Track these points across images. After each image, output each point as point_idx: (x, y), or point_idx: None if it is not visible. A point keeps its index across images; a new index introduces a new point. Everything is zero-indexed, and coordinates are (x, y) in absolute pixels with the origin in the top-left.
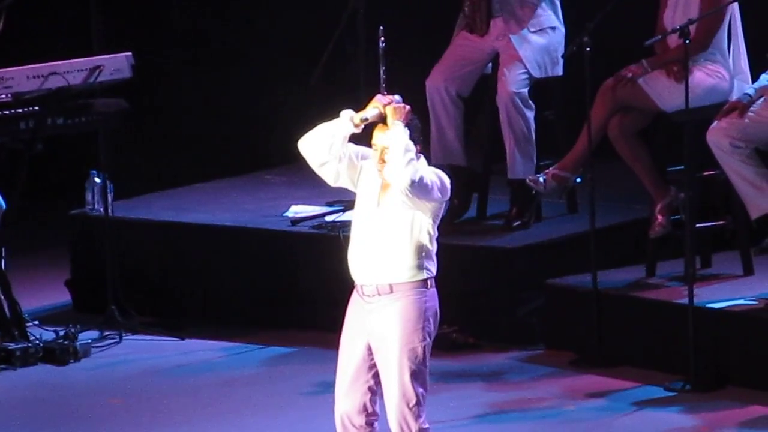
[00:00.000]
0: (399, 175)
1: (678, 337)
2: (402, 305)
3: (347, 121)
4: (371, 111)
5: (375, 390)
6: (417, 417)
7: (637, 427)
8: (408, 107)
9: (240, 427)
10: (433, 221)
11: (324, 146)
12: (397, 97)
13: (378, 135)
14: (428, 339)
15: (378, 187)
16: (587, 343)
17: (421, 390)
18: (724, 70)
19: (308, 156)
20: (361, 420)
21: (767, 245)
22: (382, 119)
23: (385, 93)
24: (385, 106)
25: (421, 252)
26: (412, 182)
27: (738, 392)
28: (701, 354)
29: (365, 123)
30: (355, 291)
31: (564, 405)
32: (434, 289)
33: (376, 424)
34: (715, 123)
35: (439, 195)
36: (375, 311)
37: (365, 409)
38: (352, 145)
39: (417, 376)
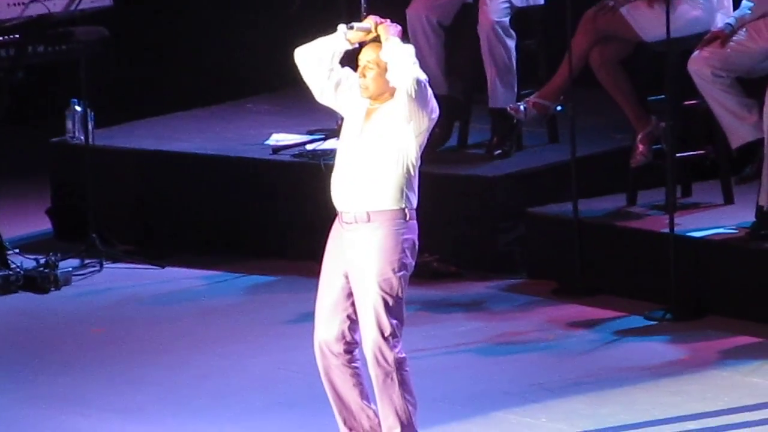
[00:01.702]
0: (406, 73)
1: (659, 266)
2: (379, 235)
3: (341, 35)
4: (363, 24)
5: (354, 318)
6: (392, 347)
7: (618, 356)
8: (399, 27)
9: (221, 355)
10: (417, 151)
11: (314, 58)
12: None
13: (364, 52)
14: (405, 271)
15: (362, 115)
16: (568, 272)
17: (395, 321)
18: (705, 1)
19: (299, 65)
20: (339, 348)
21: (748, 174)
22: (372, 38)
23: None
24: (377, 24)
25: (401, 182)
26: (418, 82)
27: (718, 321)
28: (682, 283)
29: (359, 41)
30: (336, 218)
31: (545, 335)
32: (414, 222)
33: (355, 351)
34: (696, 53)
35: (434, 108)
36: (353, 240)
37: (344, 337)
38: (347, 69)
39: (391, 307)
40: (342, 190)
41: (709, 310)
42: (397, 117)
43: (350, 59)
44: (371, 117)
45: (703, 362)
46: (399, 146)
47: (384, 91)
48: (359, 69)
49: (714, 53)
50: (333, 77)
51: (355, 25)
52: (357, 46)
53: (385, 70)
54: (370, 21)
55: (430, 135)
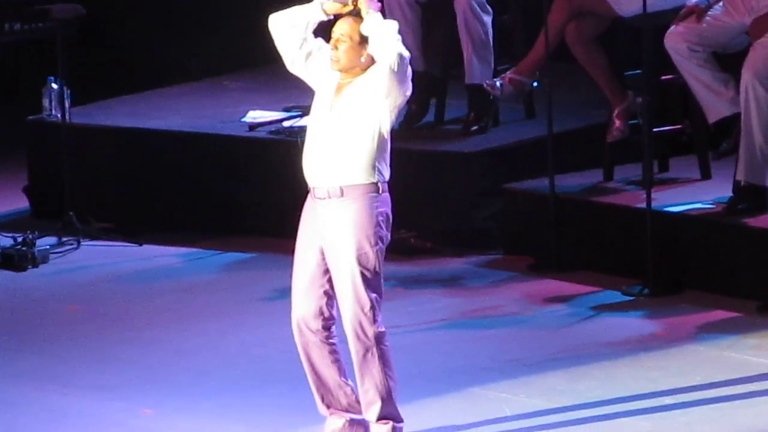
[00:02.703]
0: (390, 48)
1: (636, 242)
2: (353, 210)
3: (317, 5)
4: None
5: (331, 294)
6: (372, 321)
7: (595, 331)
8: (379, 2)
9: (199, 332)
10: (389, 124)
11: (287, 25)
12: None
13: (339, 24)
14: (380, 244)
15: (333, 89)
16: (545, 247)
17: (374, 295)
18: None
19: (272, 32)
20: (317, 324)
21: (725, 149)
22: (349, 12)
23: None
24: None
25: (374, 156)
26: (401, 57)
27: (695, 296)
28: (659, 258)
29: (335, 12)
30: (309, 195)
31: (522, 310)
32: (387, 194)
33: (332, 327)
34: (672, 27)
35: (410, 86)
36: (326, 215)
37: (321, 313)
38: (320, 40)
39: (370, 281)
40: (314, 165)
41: (686, 285)
42: (369, 91)
43: (325, 31)
44: (342, 91)
45: (681, 337)
46: (371, 120)
47: (355, 65)
48: (332, 41)
49: (690, 28)
50: (305, 47)
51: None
52: (332, 17)
53: (358, 43)
54: None
55: (407, 111)
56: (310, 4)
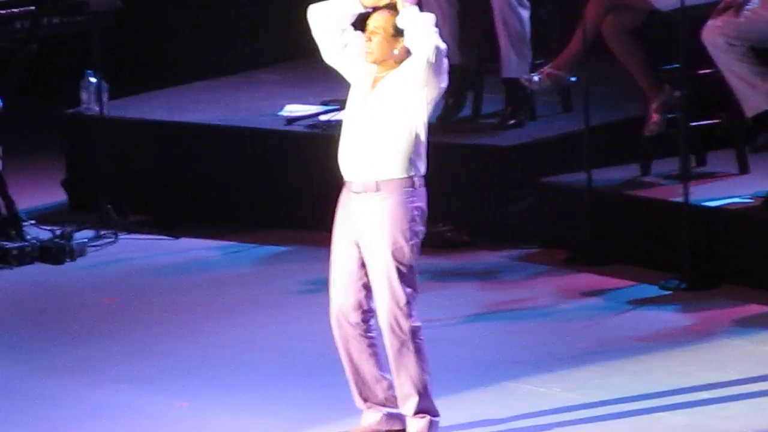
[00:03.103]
0: (427, 41)
1: (673, 236)
2: (388, 204)
3: None
4: None
5: (369, 287)
6: (407, 316)
7: (632, 325)
8: None
9: (235, 325)
10: (425, 118)
11: (325, 14)
12: None
13: (373, 17)
14: (416, 238)
15: (369, 83)
16: (581, 241)
17: (409, 289)
18: None
19: (311, 21)
20: (356, 317)
21: (762, 143)
22: (386, 4)
23: None
24: None
25: (409, 150)
26: (438, 50)
27: (732, 290)
28: (696, 252)
29: (372, 5)
30: (344, 189)
31: (558, 304)
32: (423, 189)
33: (371, 320)
34: (710, 22)
35: (446, 78)
36: (362, 210)
37: (360, 306)
38: (358, 33)
39: (405, 275)
40: (350, 159)
41: (723, 279)
42: (404, 84)
43: (364, 24)
44: (377, 85)
45: (717, 331)
46: (407, 114)
47: (388, 57)
48: (366, 33)
49: (728, 22)
50: (342, 38)
51: None
52: (370, 10)
53: (391, 36)
54: None
55: (444, 105)
56: None
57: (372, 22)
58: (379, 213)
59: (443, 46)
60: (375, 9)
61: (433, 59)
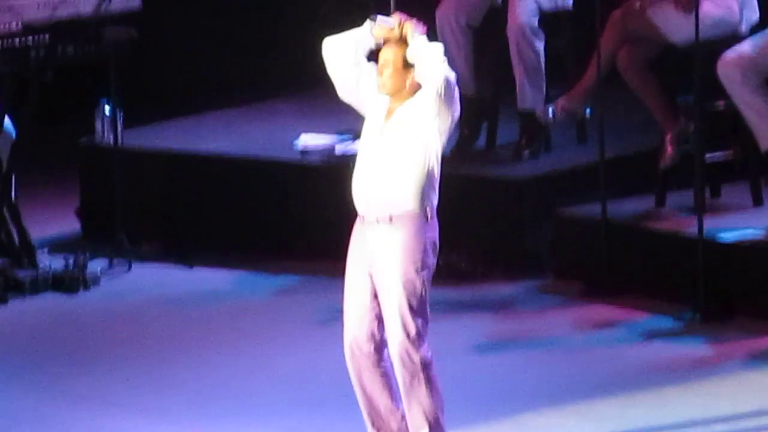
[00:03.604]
0: (436, 71)
1: (687, 268)
2: (401, 236)
3: (367, 30)
4: (386, 19)
5: (382, 318)
6: (418, 347)
7: (646, 356)
8: (424, 25)
9: (249, 355)
10: (439, 149)
11: (339, 50)
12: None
13: (384, 50)
14: (427, 270)
15: (383, 114)
16: (596, 272)
17: (420, 321)
18: (732, 2)
19: (325, 57)
20: (369, 347)
21: None
22: (394, 37)
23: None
24: (401, 22)
25: (422, 182)
26: (448, 81)
27: (746, 323)
28: (710, 284)
29: (383, 37)
30: (358, 219)
31: (573, 335)
32: (435, 220)
33: (384, 351)
34: (724, 54)
35: (458, 108)
36: (374, 241)
37: (373, 336)
38: (371, 65)
39: (416, 307)
40: (363, 190)
41: (737, 311)
42: (418, 115)
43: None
44: (391, 116)
45: (733, 363)
46: (420, 145)
47: (401, 89)
48: (378, 67)
49: (743, 56)
50: (356, 72)
51: (378, 17)
52: (381, 42)
53: (402, 68)
54: (394, 18)
55: (459, 135)
56: (360, 28)
57: (383, 55)
58: (392, 244)
59: (453, 75)
60: (386, 41)
61: (443, 89)
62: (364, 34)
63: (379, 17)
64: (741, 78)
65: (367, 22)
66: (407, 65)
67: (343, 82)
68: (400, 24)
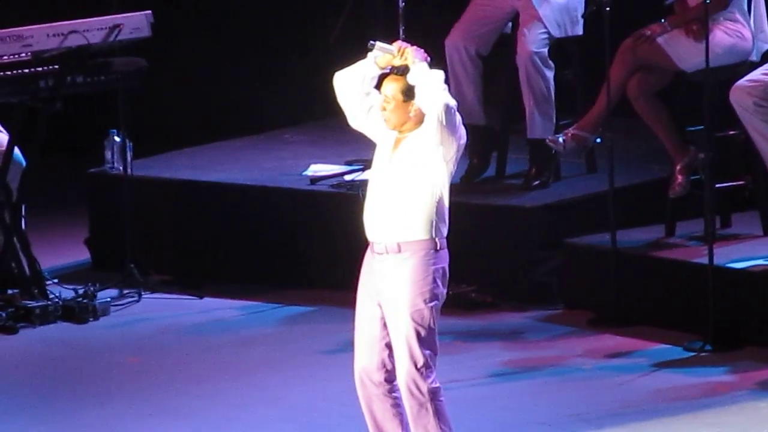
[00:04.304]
0: (435, 99)
1: (697, 297)
2: (409, 266)
3: (370, 60)
4: (386, 46)
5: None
6: (425, 378)
7: (656, 386)
8: (424, 52)
9: (258, 385)
10: (448, 179)
11: (347, 82)
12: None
13: (385, 84)
14: (436, 301)
15: (391, 143)
16: (606, 302)
17: (428, 351)
18: (744, 29)
19: (336, 89)
20: (380, 377)
21: None
22: (397, 69)
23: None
24: (402, 49)
25: (431, 211)
26: (448, 107)
27: (756, 352)
28: (720, 314)
29: (387, 65)
30: (368, 248)
31: (582, 365)
32: (444, 251)
33: (395, 381)
34: (738, 83)
35: (462, 134)
36: (383, 271)
37: (384, 365)
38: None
39: (424, 337)
40: (373, 220)
41: (746, 341)
42: (425, 144)
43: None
44: (399, 145)
45: (743, 393)
46: (429, 175)
47: (405, 121)
48: (381, 103)
49: (756, 84)
50: (366, 102)
51: (378, 43)
52: (388, 70)
53: (402, 102)
54: (395, 45)
55: (468, 165)
56: (365, 59)
57: (384, 91)
58: (400, 274)
59: (453, 102)
60: (392, 69)
61: (443, 116)
62: (368, 64)
63: (378, 43)
64: (754, 106)
65: (369, 51)
66: (408, 96)
67: (353, 112)
68: (400, 50)
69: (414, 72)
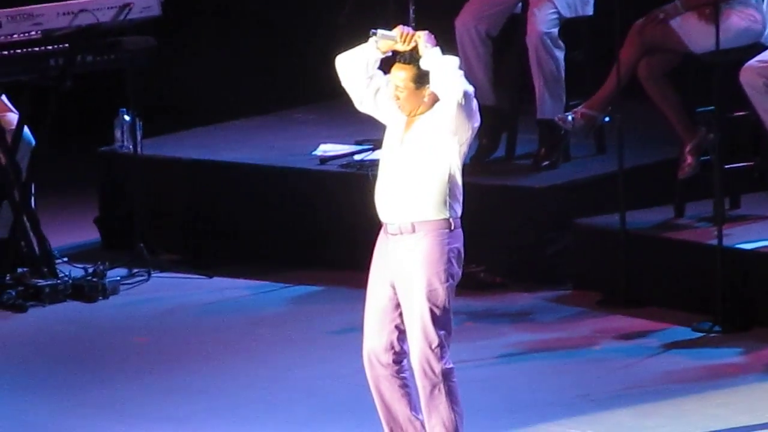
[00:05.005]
0: (455, 86)
1: (706, 278)
2: (424, 246)
3: (372, 44)
4: (388, 33)
5: (402, 329)
6: (439, 358)
7: (665, 367)
8: (433, 35)
9: (268, 365)
10: (460, 159)
11: (350, 66)
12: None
13: (395, 73)
14: (451, 280)
15: (403, 124)
16: (615, 283)
17: (443, 332)
18: (757, 13)
19: (339, 74)
20: (388, 358)
21: None
22: (402, 56)
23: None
24: (406, 35)
25: (445, 191)
26: (467, 95)
27: (766, 334)
28: (729, 295)
29: (389, 49)
30: (381, 229)
31: (591, 345)
32: (459, 230)
33: (404, 362)
34: (748, 63)
35: (478, 118)
36: (398, 251)
37: (392, 347)
38: (387, 77)
39: (439, 318)
40: (386, 201)
41: (756, 322)
42: (438, 126)
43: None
44: (411, 126)
45: (751, 374)
46: (442, 155)
47: (419, 105)
48: (392, 91)
49: (766, 65)
50: (371, 85)
51: (380, 31)
52: (390, 54)
53: (415, 89)
54: (396, 30)
55: (478, 145)
56: (366, 43)
57: (393, 80)
58: (415, 254)
59: (471, 88)
60: (394, 53)
61: (463, 104)
62: (370, 49)
63: (380, 31)
64: (764, 86)
65: (370, 38)
66: (420, 83)
67: (359, 96)
68: (403, 36)
69: (428, 58)
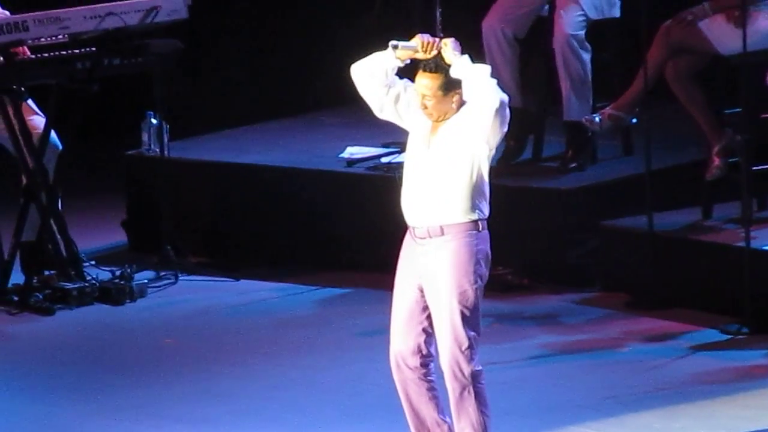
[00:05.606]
0: (490, 96)
1: (734, 280)
2: (453, 248)
3: (390, 53)
4: (409, 43)
5: (429, 331)
6: (469, 360)
7: (692, 369)
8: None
9: (294, 367)
10: (487, 161)
11: (367, 74)
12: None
13: (420, 82)
14: (480, 282)
15: (428, 128)
16: (642, 285)
17: (473, 333)
18: None
19: (355, 83)
20: (415, 361)
21: None
22: (426, 64)
23: (441, 35)
24: (427, 44)
25: (472, 194)
26: (502, 103)
27: None
28: (757, 296)
29: (408, 57)
30: (408, 232)
31: (619, 347)
32: (486, 232)
33: (431, 365)
34: None
35: (507, 126)
36: (426, 254)
37: (419, 350)
38: (405, 82)
39: (468, 319)
40: (413, 205)
41: None
42: (468, 131)
43: (410, 71)
44: (438, 130)
45: None
46: (470, 159)
47: (448, 111)
48: (419, 100)
49: None
50: (391, 92)
51: (401, 44)
52: (409, 62)
53: (443, 96)
54: (417, 40)
55: (505, 147)
56: (384, 51)
57: (420, 88)
58: (444, 257)
59: (506, 97)
60: (413, 60)
61: (499, 113)
62: (388, 57)
63: (401, 43)
64: None
65: (389, 49)
66: (448, 90)
67: (379, 104)
68: (424, 45)
69: (459, 68)
